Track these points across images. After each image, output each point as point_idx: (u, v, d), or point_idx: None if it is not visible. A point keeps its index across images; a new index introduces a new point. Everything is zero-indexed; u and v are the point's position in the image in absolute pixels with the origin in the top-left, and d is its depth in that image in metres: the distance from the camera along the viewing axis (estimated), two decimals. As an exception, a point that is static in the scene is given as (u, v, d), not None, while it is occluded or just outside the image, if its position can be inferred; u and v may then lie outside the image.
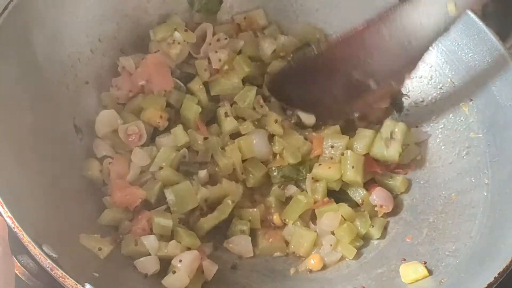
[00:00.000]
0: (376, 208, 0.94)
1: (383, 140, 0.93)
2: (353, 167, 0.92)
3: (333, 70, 0.92)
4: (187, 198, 0.89)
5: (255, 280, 0.90)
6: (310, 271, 0.90)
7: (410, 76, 0.94)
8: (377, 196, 0.94)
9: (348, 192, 0.95)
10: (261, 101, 1.00)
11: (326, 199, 0.94)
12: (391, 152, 0.93)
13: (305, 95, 0.95)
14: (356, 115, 0.98)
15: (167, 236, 0.88)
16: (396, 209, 0.95)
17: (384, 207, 0.93)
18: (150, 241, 0.85)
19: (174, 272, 0.83)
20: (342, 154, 0.93)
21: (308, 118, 0.98)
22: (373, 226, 0.92)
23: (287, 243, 0.93)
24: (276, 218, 0.94)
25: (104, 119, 0.94)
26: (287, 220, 0.93)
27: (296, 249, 0.92)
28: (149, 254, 0.86)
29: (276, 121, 0.98)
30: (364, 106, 0.96)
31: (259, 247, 0.92)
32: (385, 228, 0.94)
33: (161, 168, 0.92)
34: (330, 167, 0.93)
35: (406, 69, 0.91)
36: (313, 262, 0.90)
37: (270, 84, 0.99)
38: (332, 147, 0.94)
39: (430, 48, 0.87)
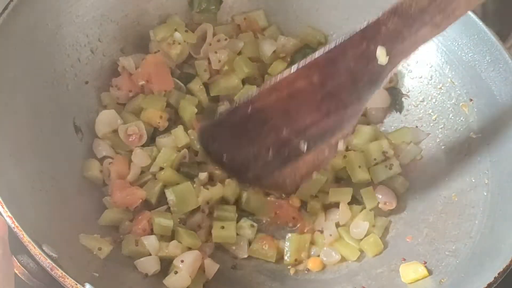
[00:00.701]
0: (380, 205, 0.93)
1: (380, 165, 0.94)
2: (359, 166, 0.93)
3: (263, 125, 0.84)
4: (188, 198, 0.89)
5: (256, 280, 0.90)
6: (308, 270, 0.90)
7: (344, 141, 0.84)
8: (381, 193, 0.94)
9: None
10: (261, 100, 1.01)
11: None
12: (395, 169, 0.94)
13: (235, 156, 0.86)
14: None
15: (168, 236, 0.88)
16: (396, 209, 0.95)
17: (388, 203, 0.93)
18: (150, 242, 0.85)
19: (176, 272, 0.83)
20: (345, 157, 0.94)
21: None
22: (374, 226, 0.92)
23: (280, 253, 0.92)
24: (294, 199, 0.94)
25: (104, 119, 0.94)
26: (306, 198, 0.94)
27: (294, 257, 0.91)
28: (150, 254, 0.86)
29: None
30: (292, 175, 0.87)
31: (251, 247, 0.92)
32: (385, 228, 0.93)
33: (161, 168, 0.92)
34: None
35: (339, 132, 0.83)
36: (310, 265, 0.90)
37: (200, 138, 0.90)
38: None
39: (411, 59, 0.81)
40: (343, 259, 0.91)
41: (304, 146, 0.83)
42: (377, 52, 0.74)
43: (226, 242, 0.91)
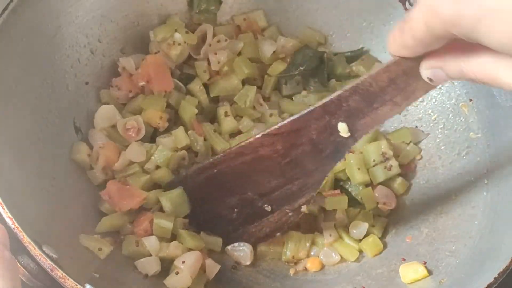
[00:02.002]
0: (379, 206, 0.94)
1: (379, 166, 0.94)
2: (358, 168, 0.93)
3: (228, 186, 0.88)
4: (181, 205, 0.89)
5: (256, 280, 0.90)
6: (307, 270, 0.91)
7: (306, 206, 0.87)
8: (379, 194, 0.94)
9: (350, 190, 0.95)
10: (261, 99, 1.01)
11: (337, 191, 0.95)
12: (394, 170, 0.94)
13: (199, 213, 0.90)
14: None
15: (168, 238, 0.88)
16: (395, 210, 0.95)
17: (387, 203, 0.93)
18: (151, 242, 0.85)
19: (177, 273, 0.83)
20: (344, 159, 0.94)
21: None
22: (373, 226, 0.92)
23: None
24: None
25: (103, 113, 0.94)
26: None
27: (292, 254, 0.91)
28: (150, 255, 0.86)
29: (271, 115, 0.99)
30: (256, 233, 0.90)
31: (257, 249, 0.92)
32: (385, 228, 0.93)
33: (158, 167, 0.92)
34: None
35: (302, 197, 0.86)
36: (309, 265, 0.91)
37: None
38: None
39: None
40: (342, 260, 0.91)
41: (268, 208, 0.87)
42: (338, 127, 0.77)
43: None
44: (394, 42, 0.62)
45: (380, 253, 0.90)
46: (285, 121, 0.80)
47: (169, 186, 0.91)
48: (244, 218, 0.89)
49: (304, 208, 0.87)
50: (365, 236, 0.91)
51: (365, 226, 0.91)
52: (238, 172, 0.86)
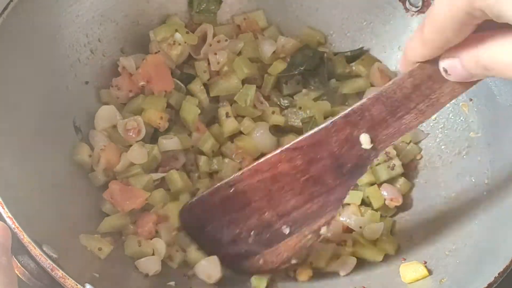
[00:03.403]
0: (387, 202, 0.93)
1: (382, 165, 0.94)
2: None
3: (245, 207, 0.84)
4: None
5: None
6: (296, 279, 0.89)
7: (328, 226, 0.83)
8: (386, 191, 0.94)
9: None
10: (261, 98, 1.00)
11: None
12: (398, 169, 0.94)
13: (215, 236, 0.87)
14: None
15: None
16: (396, 209, 0.95)
17: (394, 199, 0.93)
18: (160, 246, 0.86)
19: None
20: None
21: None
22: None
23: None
24: None
25: (104, 114, 0.94)
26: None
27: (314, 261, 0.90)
28: (153, 254, 0.86)
29: (273, 112, 0.98)
30: (273, 259, 0.86)
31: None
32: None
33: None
34: None
35: (323, 217, 0.82)
36: (302, 276, 0.89)
37: (181, 216, 0.90)
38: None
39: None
40: (359, 263, 0.90)
41: (286, 230, 0.84)
42: (360, 138, 0.75)
43: None
44: (413, 45, 0.61)
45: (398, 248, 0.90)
46: (306, 134, 0.78)
47: (185, 210, 0.90)
48: (261, 242, 0.85)
49: (324, 231, 0.83)
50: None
51: (380, 226, 0.90)
52: (256, 191, 0.83)
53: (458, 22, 0.54)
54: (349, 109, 0.74)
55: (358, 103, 0.74)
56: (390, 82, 0.70)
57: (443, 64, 0.61)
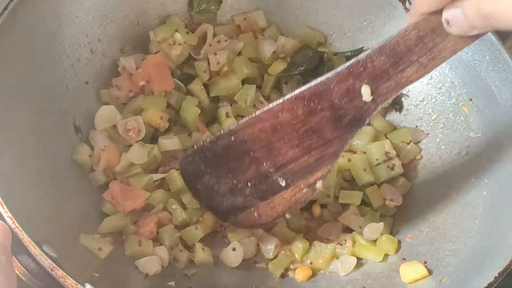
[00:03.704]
0: (387, 202, 0.93)
1: (382, 165, 0.94)
2: (364, 169, 0.93)
3: (244, 156, 0.83)
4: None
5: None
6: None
7: (322, 181, 0.83)
8: (385, 190, 0.94)
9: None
10: (261, 97, 1.01)
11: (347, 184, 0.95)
12: (397, 169, 0.94)
13: (213, 186, 0.86)
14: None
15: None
16: (398, 209, 0.95)
17: (394, 199, 0.93)
18: (163, 253, 0.87)
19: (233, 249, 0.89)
20: (349, 160, 0.94)
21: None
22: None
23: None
24: (316, 208, 0.94)
25: (104, 114, 0.94)
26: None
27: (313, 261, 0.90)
28: (153, 254, 0.86)
29: None
30: (268, 212, 0.86)
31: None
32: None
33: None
34: (343, 155, 0.94)
35: (319, 171, 0.82)
36: (300, 276, 0.89)
37: (180, 165, 0.90)
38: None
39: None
40: (359, 264, 0.90)
41: (282, 182, 0.83)
42: (361, 90, 0.75)
43: None
44: None
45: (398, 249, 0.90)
46: (309, 84, 0.78)
47: (185, 158, 0.88)
48: (257, 194, 0.85)
49: (319, 185, 0.83)
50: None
51: (380, 226, 0.90)
52: (256, 140, 0.82)
53: None
54: (353, 60, 0.75)
55: (362, 54, 0.74)
56: (395, 34, 0.71)
57: (446, 14, 0.63)
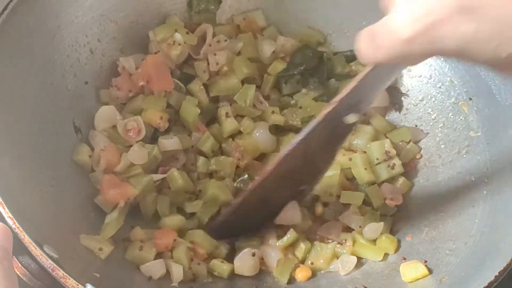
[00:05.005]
0: (387, 201, 0.93)
1: (383, 165, 0.94)
2: (365, 168, 0.93)
3: (264, 202, 0.89)
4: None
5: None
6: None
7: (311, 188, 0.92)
8: (386, 190, 0.94)
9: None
10: (261, 97, 1.01)
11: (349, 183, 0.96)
12: (398, 168, 0.94)
13: (234, 231, 0.92)
14: None
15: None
16: (398, 208, 0.95)
17: (394, 198, 0.93)
18: (177, 270, 0.86)
19: None
20: (350, 159, 0.94)
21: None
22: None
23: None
24: (318, 207, 0.95)
25: (103, 114, 0.94)
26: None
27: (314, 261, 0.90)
28: (154, 259, 0.86)
29: (273, 112, 0.98)
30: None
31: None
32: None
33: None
34: (344, 154, 0.95)
35: (308, 185, 0.92)
36: (300, 276, 0.89)
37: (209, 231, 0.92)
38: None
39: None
40: (359, 263, 0.90)
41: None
42: (344, 120, 0.80)
43: None
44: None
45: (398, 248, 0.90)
46: (294, 143, 0.82)
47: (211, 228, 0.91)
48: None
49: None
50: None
51: (380, 225, 0.90)
52: (269, 189, 0.87)
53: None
54: (329, 108, 0.79)
55: (335, 99, 0.78)
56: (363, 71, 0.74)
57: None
